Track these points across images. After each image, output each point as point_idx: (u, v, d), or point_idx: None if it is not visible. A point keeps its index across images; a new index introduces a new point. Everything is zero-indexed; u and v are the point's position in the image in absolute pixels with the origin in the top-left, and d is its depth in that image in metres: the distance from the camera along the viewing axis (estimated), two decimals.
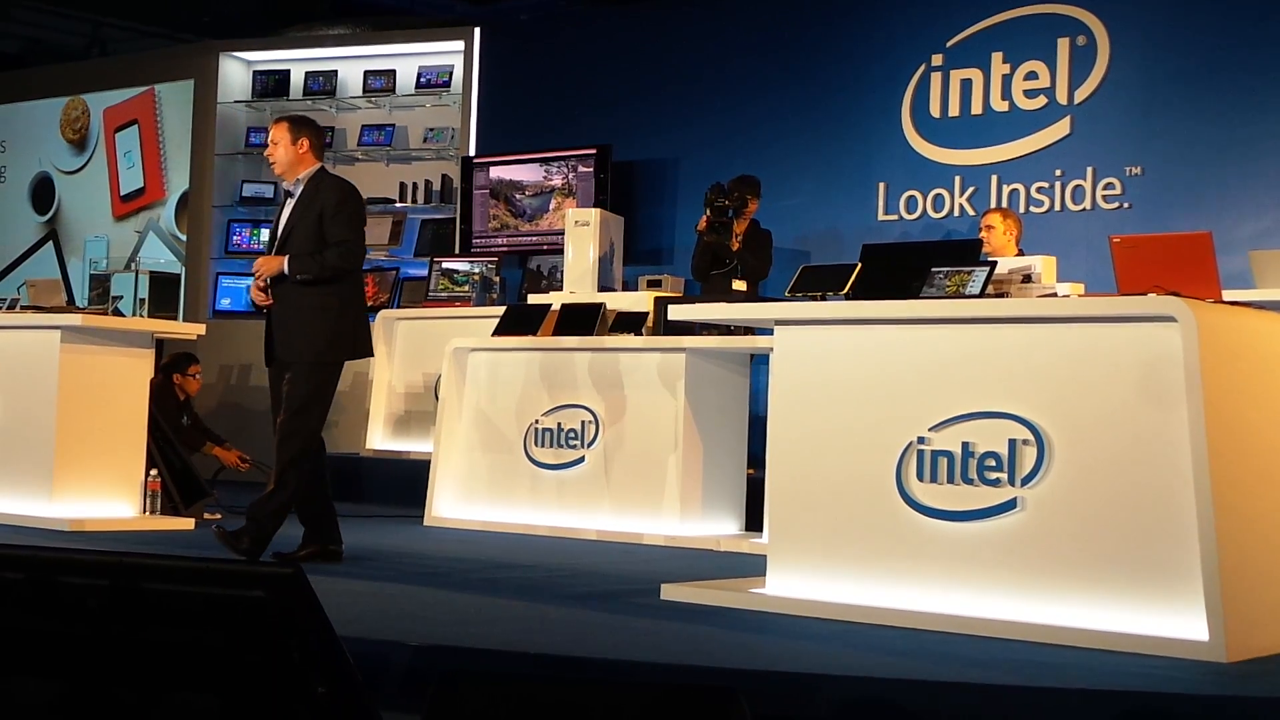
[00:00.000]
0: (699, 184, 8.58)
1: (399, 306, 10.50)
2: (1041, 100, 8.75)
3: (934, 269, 4.75)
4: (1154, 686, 3.65)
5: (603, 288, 9.24)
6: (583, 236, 9.37)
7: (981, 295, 4.63)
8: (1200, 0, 8.38)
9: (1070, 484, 4.38)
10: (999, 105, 8.90)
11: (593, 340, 7.72)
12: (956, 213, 8.99)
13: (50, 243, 13.19)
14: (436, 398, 8.51)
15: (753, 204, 8.61)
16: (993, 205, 8.62)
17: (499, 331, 8.10)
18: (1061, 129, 8.67)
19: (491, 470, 7.89)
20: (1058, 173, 8.65)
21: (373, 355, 6.38)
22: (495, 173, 10.75)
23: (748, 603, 4.87)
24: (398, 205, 11.22)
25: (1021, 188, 8.76)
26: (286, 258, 6.00)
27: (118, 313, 7.98)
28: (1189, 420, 4.11)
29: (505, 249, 10.67)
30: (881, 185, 9.29)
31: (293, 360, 5.99)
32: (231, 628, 2.23)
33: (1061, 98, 8.68)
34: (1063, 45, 8.70)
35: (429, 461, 8.07)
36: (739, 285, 7.68)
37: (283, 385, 6.00)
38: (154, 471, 7.34)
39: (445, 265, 10.36)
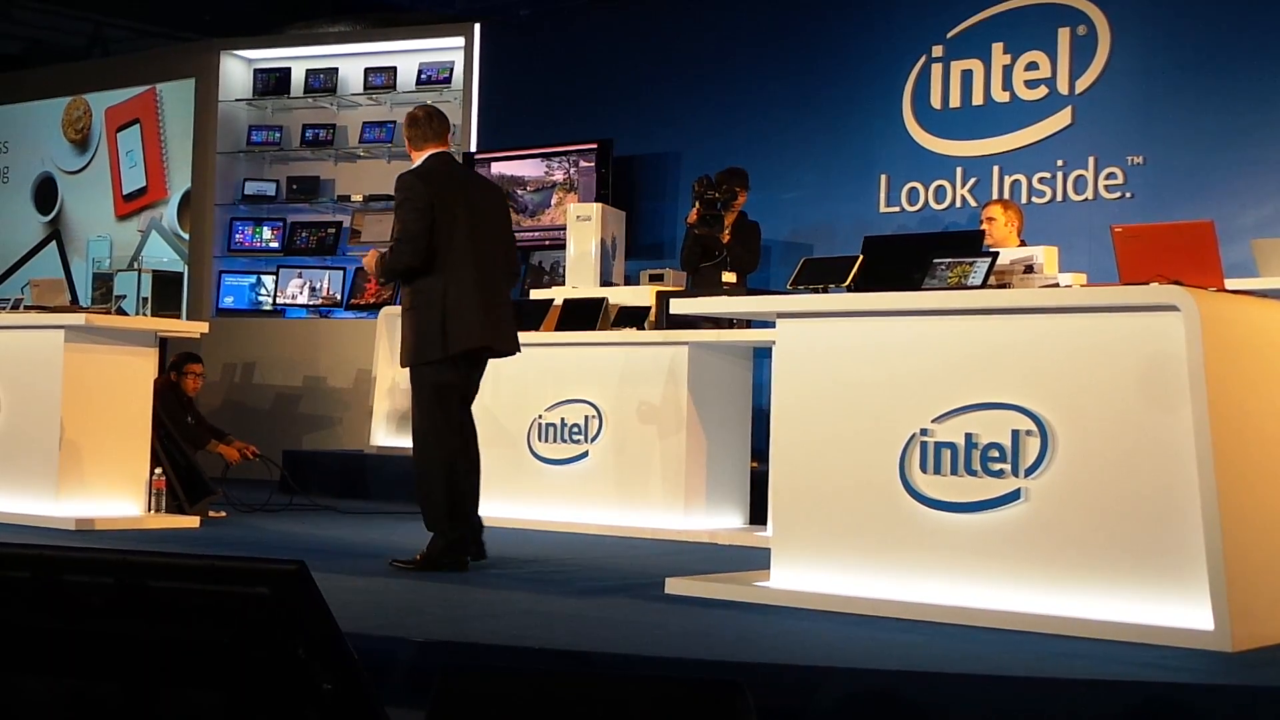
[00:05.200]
0: None
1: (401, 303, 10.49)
2: (1042, 90, 8.74)
3: (936, 260, 4.74)
4: (1159, 676, 3.66)
5: (605, 282, 9.24)
6: (584, 231, 9.37)
7: (983, 286, 4.63)
8: None
9: (1074, 474, 4.38)
10: (1000, 96, 8.90)
11: (595, 335, 7.72)
12: (958, 204, 8.99)
13: (53, 243, 13.20)
14: None
15: (741, 196, 8.60)
16: (994, 196, 8.61)
17: None
18: (1063, 119, 8.66)
19: (495, 466, 7.84)
20: (1059, 163, 8.64)
21: (479, 346, 5.82)
22: (497, 168, 10.75)
23: (752, 596, 4.88)
24: None
25: (1023, 178, 8.76)
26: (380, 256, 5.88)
27: (121, 312, 7.97)
28: (1192, 409, 4.10)
29: None
30: (883, 177, 9.28)
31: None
32: (237, 625, 2.23)
33: (1062, 88, 8.67)
34: (1063, 35, 8.69)
35: None
36: (728, 277, 7.70)
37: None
38: (158, 470, 7.34)
39: None
